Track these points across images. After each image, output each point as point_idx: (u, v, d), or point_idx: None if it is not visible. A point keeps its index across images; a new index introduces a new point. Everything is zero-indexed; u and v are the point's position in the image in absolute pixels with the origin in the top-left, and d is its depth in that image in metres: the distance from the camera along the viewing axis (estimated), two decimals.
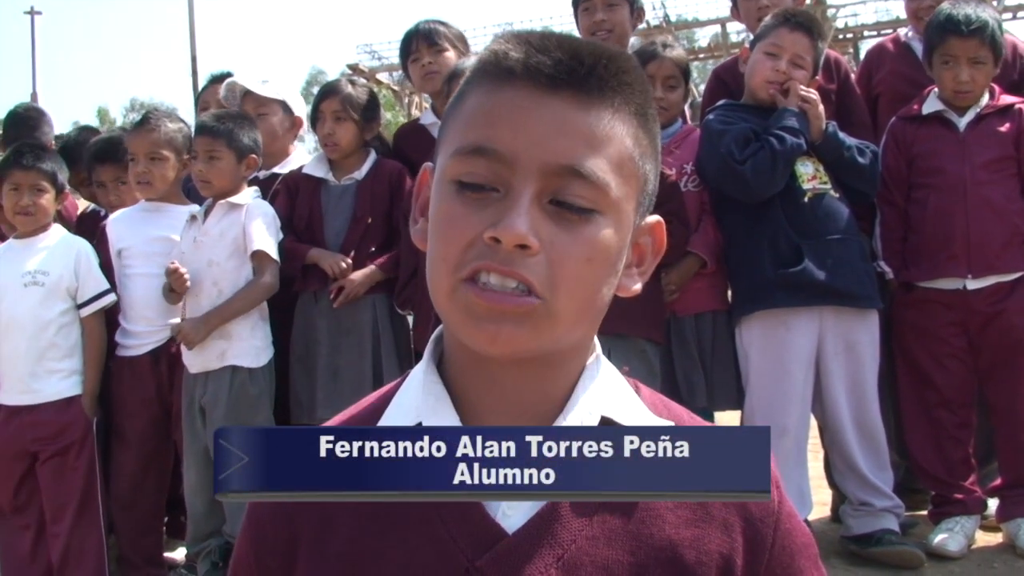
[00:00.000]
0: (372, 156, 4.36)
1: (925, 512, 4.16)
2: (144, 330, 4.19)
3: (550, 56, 1.00)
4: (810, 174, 3.81)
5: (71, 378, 4.10)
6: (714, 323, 3.96)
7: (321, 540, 1.07)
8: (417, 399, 1.07)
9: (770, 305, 3.76)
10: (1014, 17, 25.28)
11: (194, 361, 4.03)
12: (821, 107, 3.79)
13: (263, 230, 4.04)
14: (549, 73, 0.99)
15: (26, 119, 5.48)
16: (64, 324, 4.09)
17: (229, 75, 5.26)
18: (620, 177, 1.01)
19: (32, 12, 30.31)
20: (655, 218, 1.10)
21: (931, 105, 3.99)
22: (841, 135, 3.82)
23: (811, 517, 3.98)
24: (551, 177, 0.98)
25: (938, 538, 3.83)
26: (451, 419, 1.04)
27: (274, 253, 4.03)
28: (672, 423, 1.08)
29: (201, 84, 5.88)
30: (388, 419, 1.08)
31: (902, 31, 4.64)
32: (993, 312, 3.87)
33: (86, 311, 4.11)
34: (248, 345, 4.05)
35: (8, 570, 4.10)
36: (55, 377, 4.07)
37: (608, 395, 1.08)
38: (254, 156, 4.09)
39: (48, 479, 4.08)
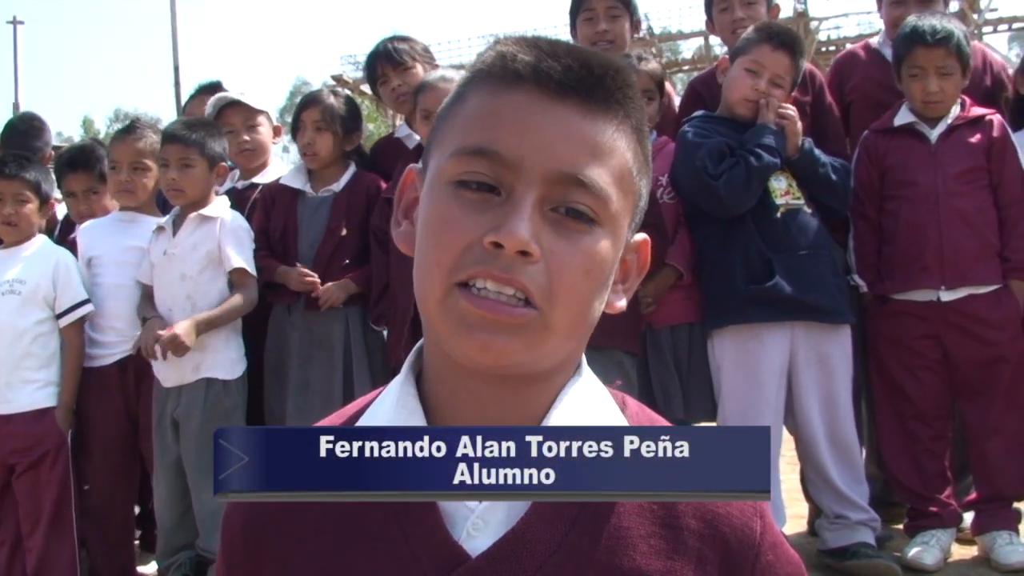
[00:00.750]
0: (351, 168, 4.34)
1: (901, 525, 4.14)
2: (112, 340, 4.18)
3: (560, 62, 0.99)
4: (783, 189, 3.81)
5: (46, 389, 4.09)
6: (690, 334, 3.95)
7: (286, 557, 1.05)
8: (390, 412, 1.04)
9: (742, 320, 3.76)
10: (995, 31, 25.41)
11: (168, 375, 4.01)
12: (799, 123, 3.79)
13: (240, 246, 4.04)
14: (559, 79, 0.98)
15: (28, 130, 5.43)
16: (41, 334, 4.08)
17: (218, 84, 5.26)
18: (620, 191, 1.00)
19: (15, 21, 30.32)
20: (642, 236, 1.09)
21: (902, 117, 3.99)
22: (816, 152, 3.83)
23: (787, 531, 3.97)
24: (554, 185, 0.96)
25: (914, 551, 3.81)
26: None
27: (252, 268, 4.02)
28: None
29: (185, 94, 5.85)
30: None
31: (873, 40, 4.65)
32: (967, 324, 3.87)
33: (64, 321, 4.10)
34: (223, 357, 4.05)
35: None
36: (30, 387, 4.05)
37: (588, 411, 1.04)
38: (224, 164, 4.08)
39: (23, 492, 4.06)
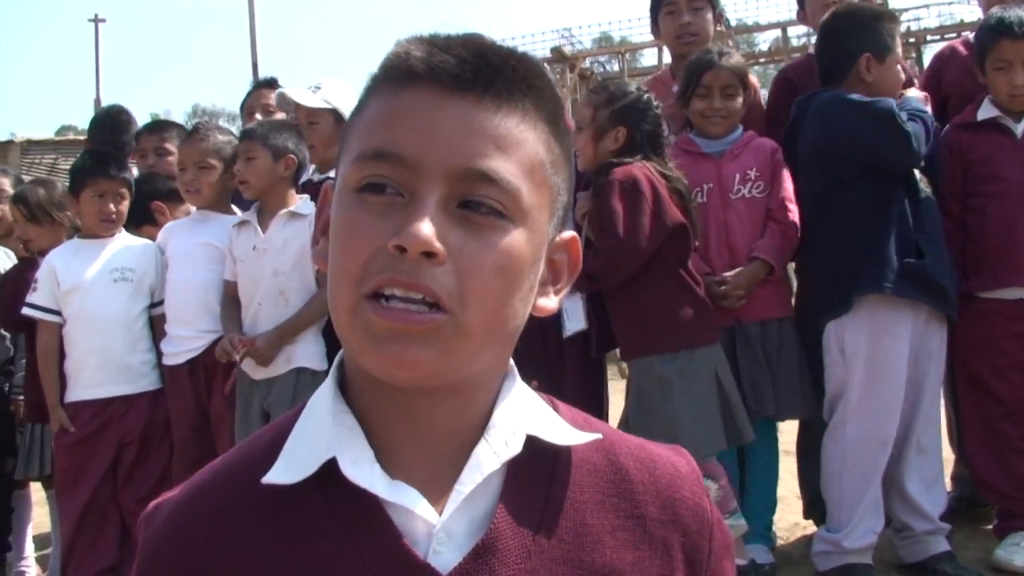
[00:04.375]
0: None
1: (990, 527, 4.07)
2: (183, 335, 4.27)
3: (454, 55, 0.94)
4: (919, 176, 3.77)
5: (155, 371, 4.32)
6: (780, 330, 3.90)
7: None
8: (327, 430, 0.97)
9: (894, 292, 3.62)
10: None
11: (259, 367, 4.08)
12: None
13: None
14: (453, 72, 0.93)
15: (115, 124, 5.55)
16: (144, 321, 4.33)
17: (274, 81, 5.32)
18: (531, 184, 0.94)
19: (96, 19, 30.88)
20: (570, 233, 1.04)
21: (986, 111, 3.92)
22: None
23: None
24: (458, 181, 0.91)
25: (1003, 552, 3.76)
26: (366, 453, 0.96)
27: None
28: (599, 435, 1.03)
29: None
30: (291, 452, 0.98)
31: (970, 34, 4.56)
32: None
33: (156, 311, 4.32)
34: (313, 349, 4.13)
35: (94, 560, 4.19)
36: (148, 368, 4.30)
37: (528, 414, 1.01)
38: (292, 156, 4.12)
39: (131, 471, 4.24)
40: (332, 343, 4.25)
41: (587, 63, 21.84)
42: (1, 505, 4.75)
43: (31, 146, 17.21)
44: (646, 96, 3.77)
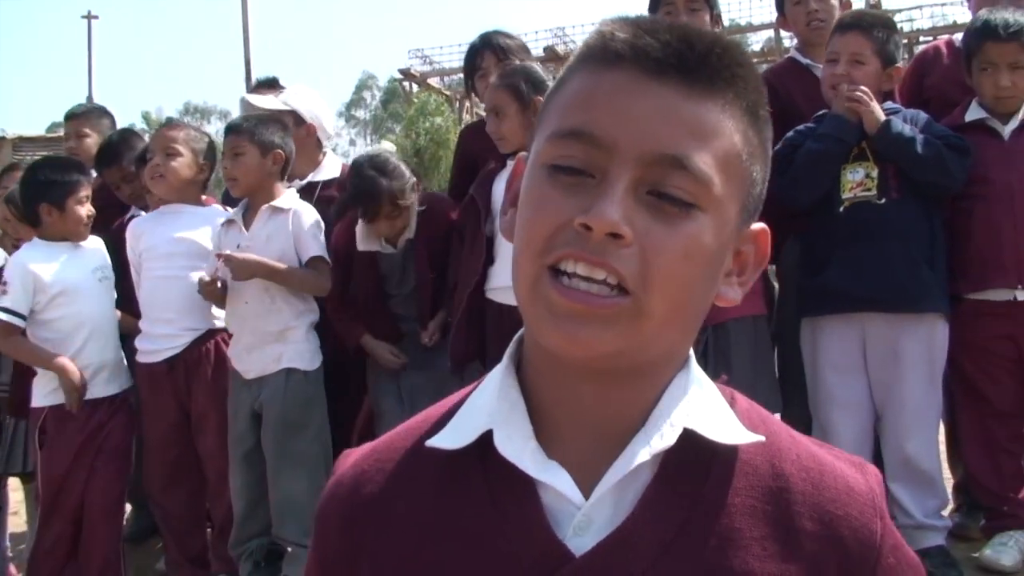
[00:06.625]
0: (414, 213, 4.30)
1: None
2: (163, 333, 4.27)
3: (659, 39, 0.93)
4: (856, 182, 3.75)
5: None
6: (755, 327, 3.86)
7: (380, 550, 1.02)
8: (491, 403, 1.00)
9: (803, 313, 3.86)
10: None
11: (250, 366, 4.12)
12: (872, 103, 3.70)
13: (315, 236, 4.12)
14: (657, 57, 0.92)
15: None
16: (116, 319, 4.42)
17: (275, 80, 5.30)
18: (724, 175, 0.93)
19: (89, 16, 30.74)
20: (760, 226, 1.03)
21: (973, 113, 3.92)
22: (899, 129, 3.69)
23: None
24: (650, 167, 0.91)
25: (990, 551, 3.77)
26: (524, 429, 0.98)
27: (327, 257, 4.09)
28: (762, 438, 1.00)
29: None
30: (459, 420, 1.02)
31: (957, 36, 4.56)
32: None
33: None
34: (304, 348, 4.15)
35: None
36: (124, 366, 4.38)
37: (696, 407, 0.98)
38: (280, 152, 4.11)
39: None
40: (325, 340, 4.26)
41: None
42: None
43: (23, 143, 17.22)
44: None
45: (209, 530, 4.55)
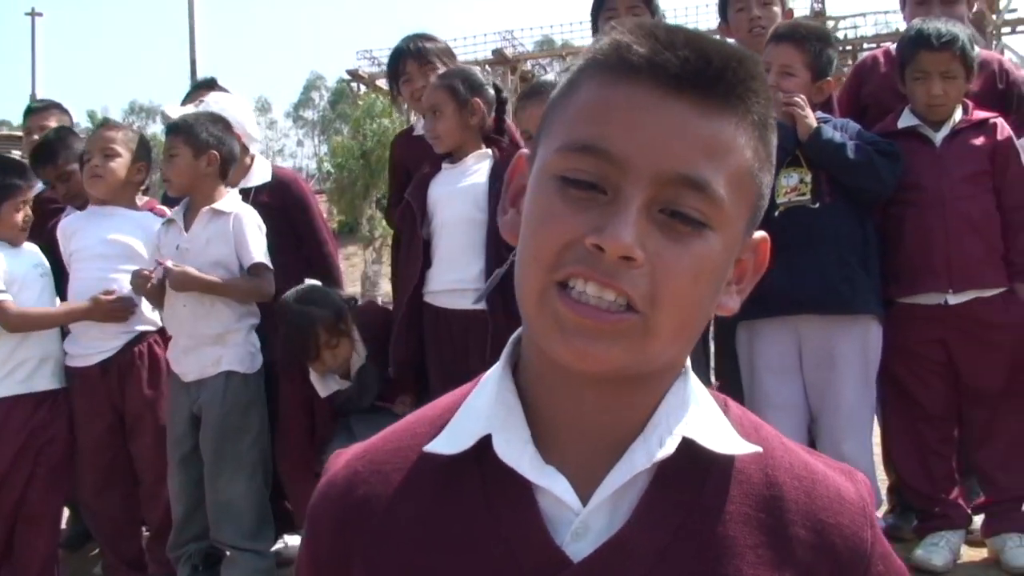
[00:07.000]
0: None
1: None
2: (95, 335, 4.23)
3: (677, 54, 0.91)
4: (791, 186, 3.80)
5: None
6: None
7: (375, 554, 1.02)
8: (489, 407, 1.00)
9: (741, 316, 3.78)
10: (1013, 31, 25.30)
11: (189, 369, 4.09)
12: (806, 110, 3.76)
13: (257, 240, 4.07)
14: (675, 72, 0.90)
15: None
16: None
17: (213, 81, 5.26)
18: (737, 193, 0.93)
19: (33, 13, 30.36)
20: (761, 234, 1.03)
21: (906, 120, 3.98)
22: (830, 136, 3.75)
23: None
24: (664, 186, 0.90)
25: (922, 552, 3.82)
26: (522, 434, 0.98)
27: (269, 262, 4.04)
28: (759, 448, 1.00)
29: None
30: (456, 424, 1.02)
31: (894, 46, 4.64)
32: (973, 327, 3.86)
33: None
34: (243, 351, 4.12)
35: None
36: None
37: (693, 416, 0.99)
38: (214, 152, 4.06)
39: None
40: (266, 342, 4.23)
41: (528, 65, 21.88)
42: None
43: None
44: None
45: (145, 533, 4.51)
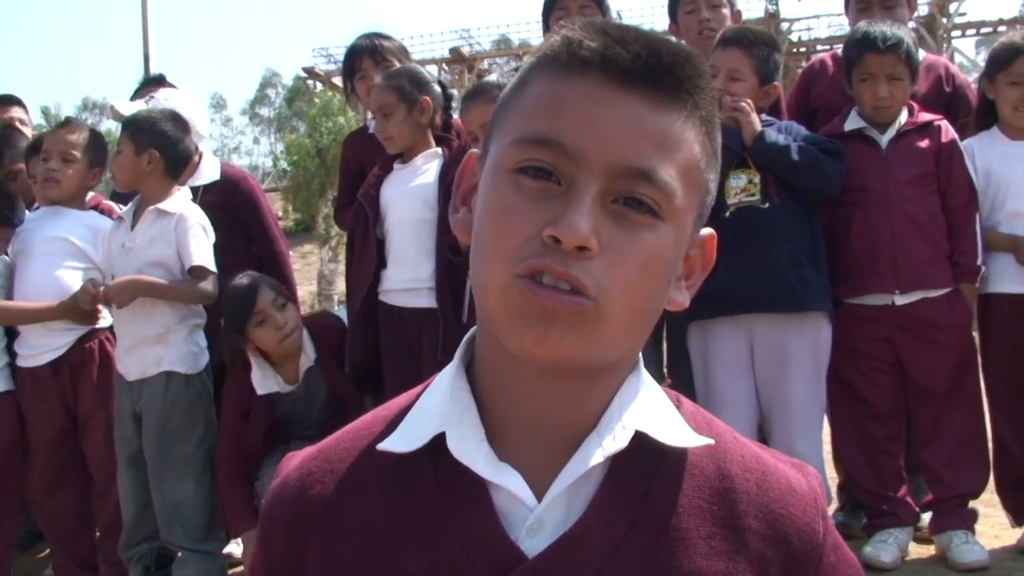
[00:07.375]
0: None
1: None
2: (43, 334, 4.18)
3: (628, 49, 0.93)
4: (740, 187, 3.84)
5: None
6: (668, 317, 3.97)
7: (330, 554, 1.01)
8: (443, 405, 1.01)
9: (693, 316, 3.86)
10: (963, 35, 25.62)
11: (131, 368, 4.04)
12: (751, 114, 3.81)
13: (199, 242, 4.01)
14: (626, 67, 0.93)
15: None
16: None
17: (162, 78, 5.23)
18: (686, 186, 0.95)
19: None
20: (708, 231, 1.05)
21: (852, 122, 4.03)
22: (773, 139, 3.80)
23: None
24: (617, 178, 0.92)
25: (871, 549, 3.85)
26: (477, 431, 0.99)
27: (212, 264, 3.99)
28: (712, 441, 1.02)
29: None
30: (410, 423, 1.02)
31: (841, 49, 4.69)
32: (920, 327, 3.91)
33: None
34: (184, 351, 4.07)
35: None
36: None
37: (646, 409, 1.00)
38: (154, 151, 4.02)
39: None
40: (212, 341, 4.20)
41: (486, 64, 21.86)
42: None
43: None
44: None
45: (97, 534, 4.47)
